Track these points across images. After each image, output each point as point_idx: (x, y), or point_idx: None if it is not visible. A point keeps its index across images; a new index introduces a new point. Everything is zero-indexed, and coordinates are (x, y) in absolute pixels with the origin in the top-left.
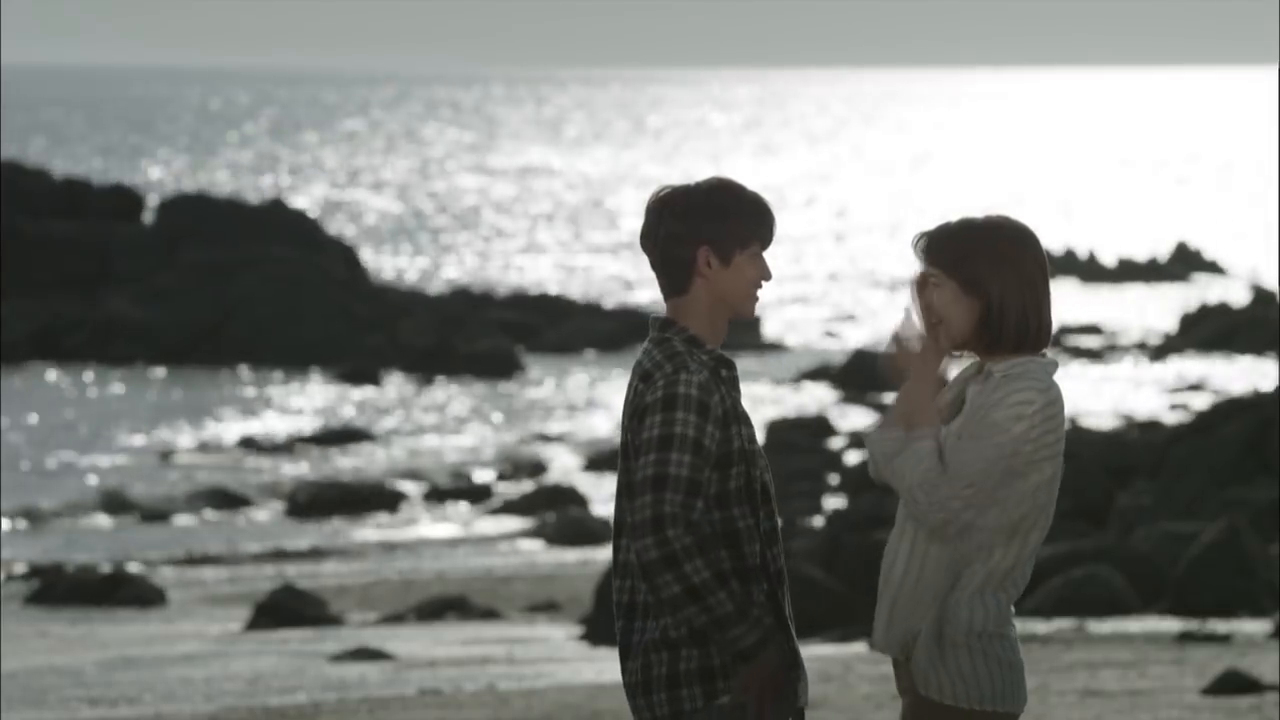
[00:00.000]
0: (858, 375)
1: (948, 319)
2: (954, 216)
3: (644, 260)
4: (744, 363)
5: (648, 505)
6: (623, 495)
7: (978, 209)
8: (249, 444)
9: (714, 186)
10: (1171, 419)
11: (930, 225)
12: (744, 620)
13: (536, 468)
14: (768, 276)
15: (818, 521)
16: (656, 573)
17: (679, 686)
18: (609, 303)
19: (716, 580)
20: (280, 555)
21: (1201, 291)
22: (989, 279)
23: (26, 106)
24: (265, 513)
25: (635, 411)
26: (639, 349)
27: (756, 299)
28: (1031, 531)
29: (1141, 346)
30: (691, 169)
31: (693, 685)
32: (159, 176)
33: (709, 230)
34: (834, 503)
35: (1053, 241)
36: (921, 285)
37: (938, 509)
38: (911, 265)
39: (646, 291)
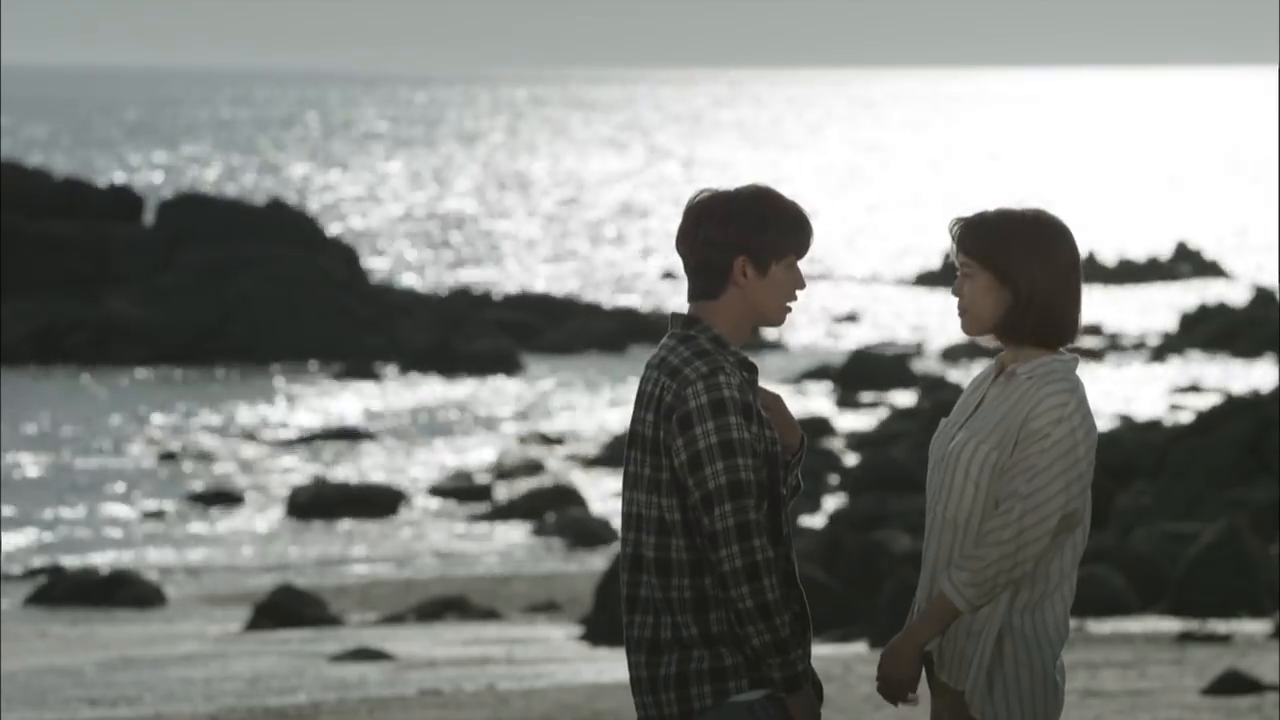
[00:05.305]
0: (858, 375)
1: (976, 308)
2: (991, 206)
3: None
4: None
5: (729, 514)
6: (633, 488)
7: (978, 207)
8: (249, 444)
9: (756, 195)
10: (1171, 419)
11: (967, 213)
12: (799, 646)
13: (536, 468)
14: (802, 286)
15: (818, 521)
16: (736, 583)
17: (688, 685)
18: (609, 303)
19: (784, 601)
20: (280, 555)
21: (1201, 291)
22: (1021, 272)
23: (26, 106)
24: (265, 513)
25: (668, 413)
26: (638, 349)
27: (789, 310)
28: (1078, 529)
29: (1141, 346)
30: (693, 169)
31: (703, 684)
32: (159, 177)
33: (749, 240)
34: (834, 503)
35: None
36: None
37: (1036, 545)
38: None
39: (646, 292)
